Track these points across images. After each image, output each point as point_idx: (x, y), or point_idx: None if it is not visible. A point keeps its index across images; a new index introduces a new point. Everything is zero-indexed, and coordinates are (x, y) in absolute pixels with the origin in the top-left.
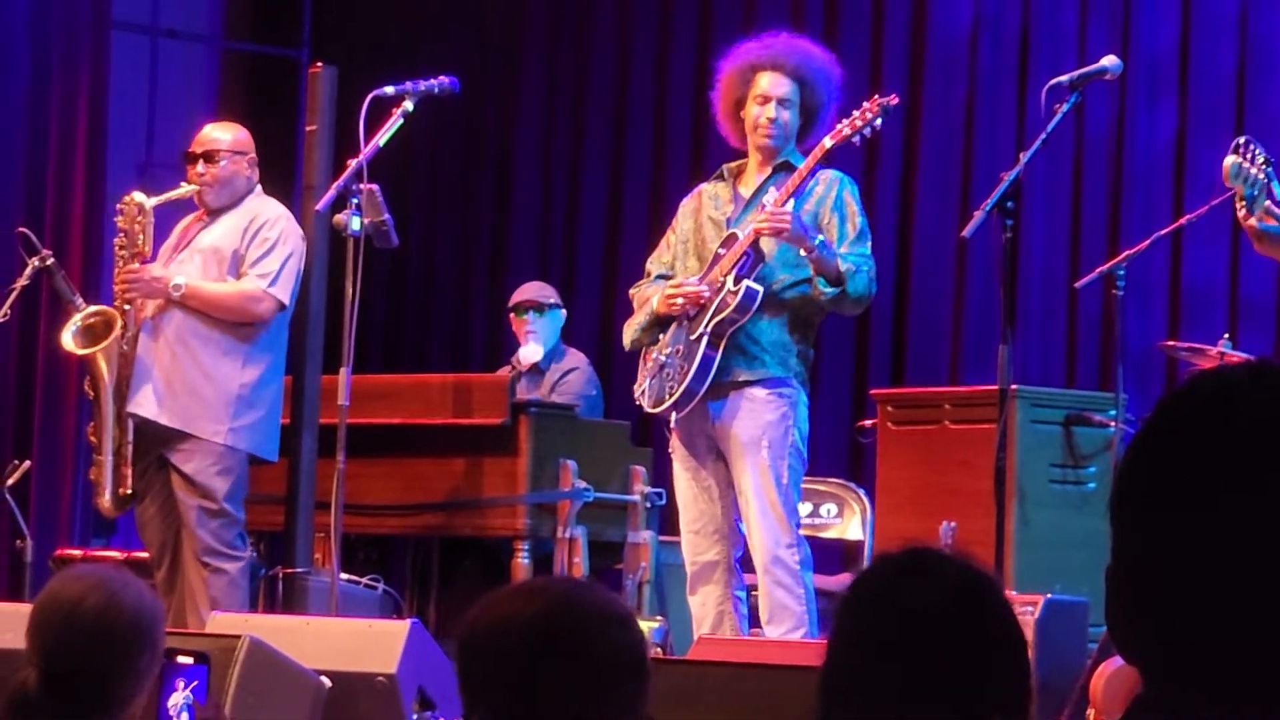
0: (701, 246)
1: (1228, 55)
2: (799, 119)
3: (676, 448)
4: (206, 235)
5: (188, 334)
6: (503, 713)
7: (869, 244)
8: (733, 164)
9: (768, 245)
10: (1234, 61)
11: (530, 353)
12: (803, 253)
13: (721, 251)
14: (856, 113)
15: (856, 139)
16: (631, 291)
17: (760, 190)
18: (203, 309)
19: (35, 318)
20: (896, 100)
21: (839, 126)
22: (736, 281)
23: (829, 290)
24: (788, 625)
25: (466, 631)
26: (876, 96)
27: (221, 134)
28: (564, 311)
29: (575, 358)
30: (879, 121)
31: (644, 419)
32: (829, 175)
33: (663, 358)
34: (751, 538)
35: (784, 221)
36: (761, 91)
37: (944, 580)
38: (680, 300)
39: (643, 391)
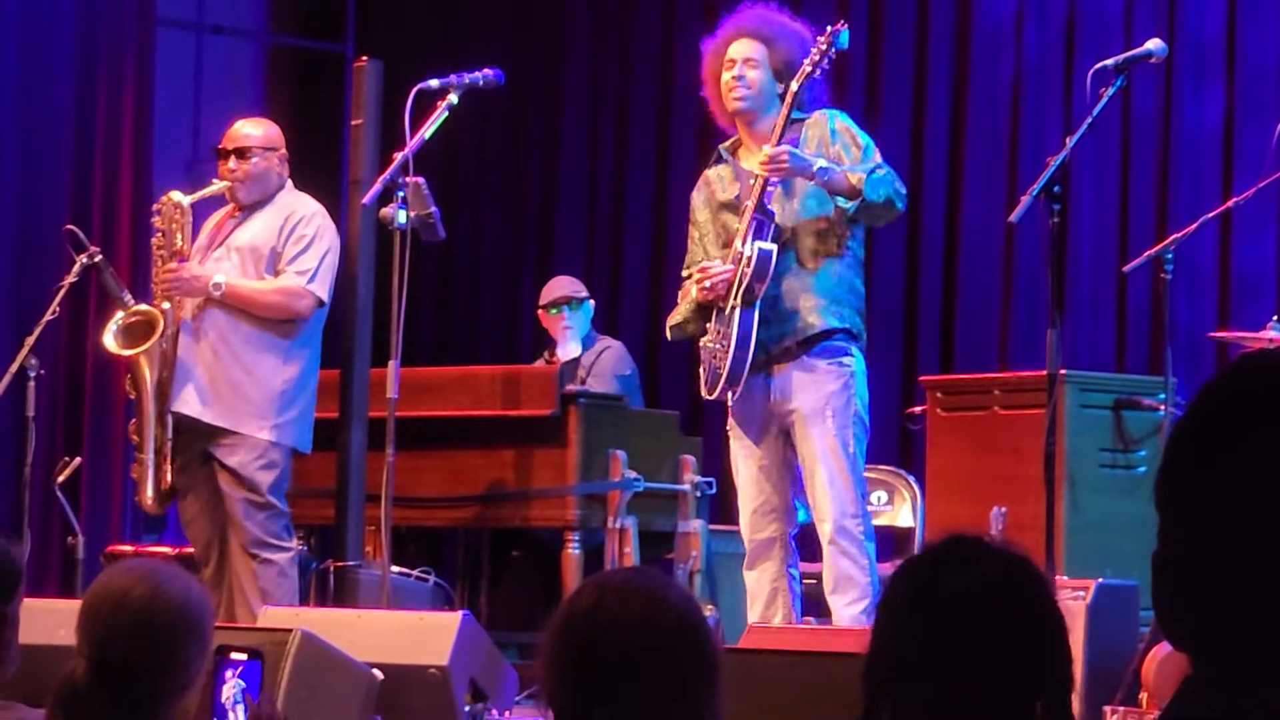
0: (724, 233)
1: (1274, 38)
2: (766, 78)
3: (733, 427)
4: (242, 232)
5: (228, 332)
6: (631, 708)
7: (878, 153)
8: (725, 143)
9: (779, 205)
10: None
11: (570, 349)
12: (811, 182)
13: (739, 226)
14: (813, 49)
15: (818, 73)
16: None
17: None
18: (243, 307)
19: (84, 315)
20: (844, 25)
21: (801, 68)
22: (751, 247)
23: (849, 205)
24: (852, 595)
25: (614, 627)
26: (827, 28)
27: (253, 130)
28: (592, 301)
29: (606, 340)
30: (834, 51)
31: (694, 408)
32: (816, 115)
33: (710, 344)
34: (818, 507)
35: (782, 160)
36: (729, 58)
37: (981, 570)
38: (709, 284)
39: (702, 380)
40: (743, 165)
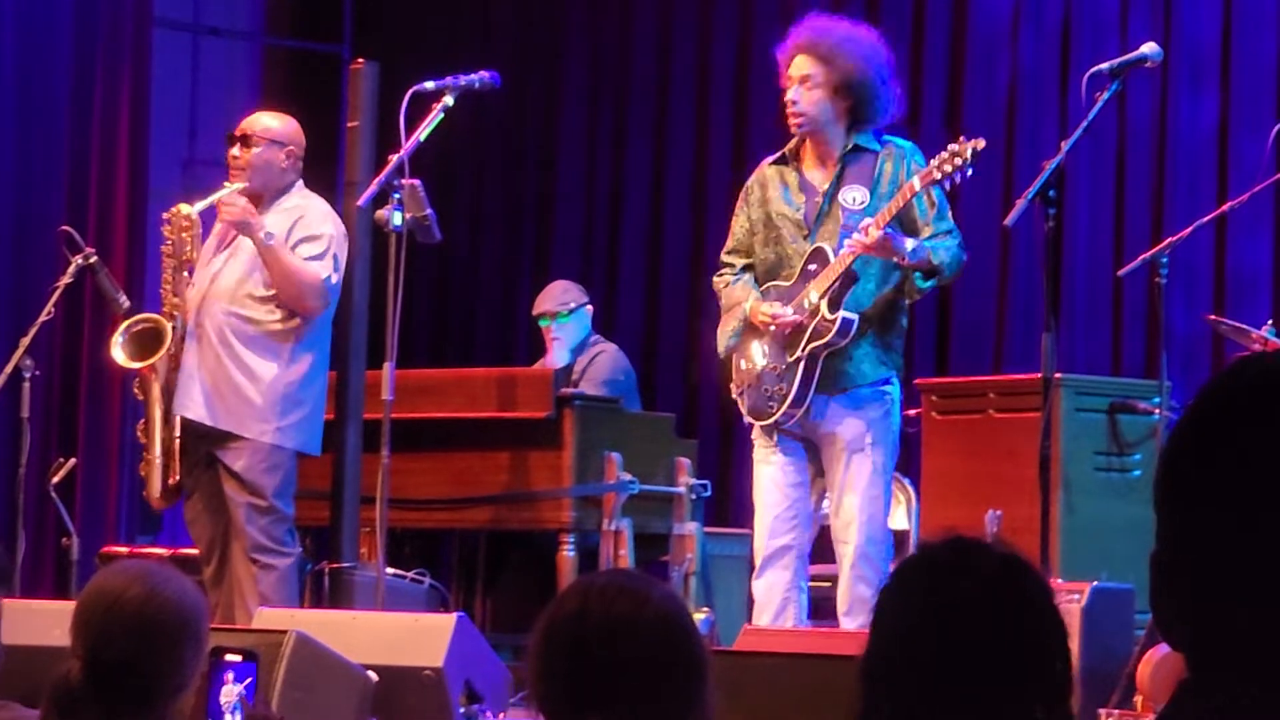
0: (778, 243)
1: (1269, 42)
2: (834, 98)
3: (760, 435)
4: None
5: (230, 335)
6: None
7: (949, 214)
8: (791, 144)
9: (857, 264)
10: (1275, 48)
11: (557, 360)
12: (896, 260)
13: (811, 268)
14: (945, 154)
15: (947, 185)
16: (716, 282)
17: (833, 187)
18: (275, 270)
19: (79, 316)
20: (984, 144)
21: (928, 168)
22: (832, 309)
23: (926, 285)
24: (865, 619)
25: (584, 631)
26: (963, 139)
27: (267, 121)
28: (589, 308)
29: (603, 344)
30: (970, 169)
31: (689, 411)
32: (893, 150)
33: (758, 369)
34: (845, 530)
35: (886, 245)
36: (789, 75)
37: (983, 571)
38: (774, 327)
39: (741, 395)
40: (808, 176)
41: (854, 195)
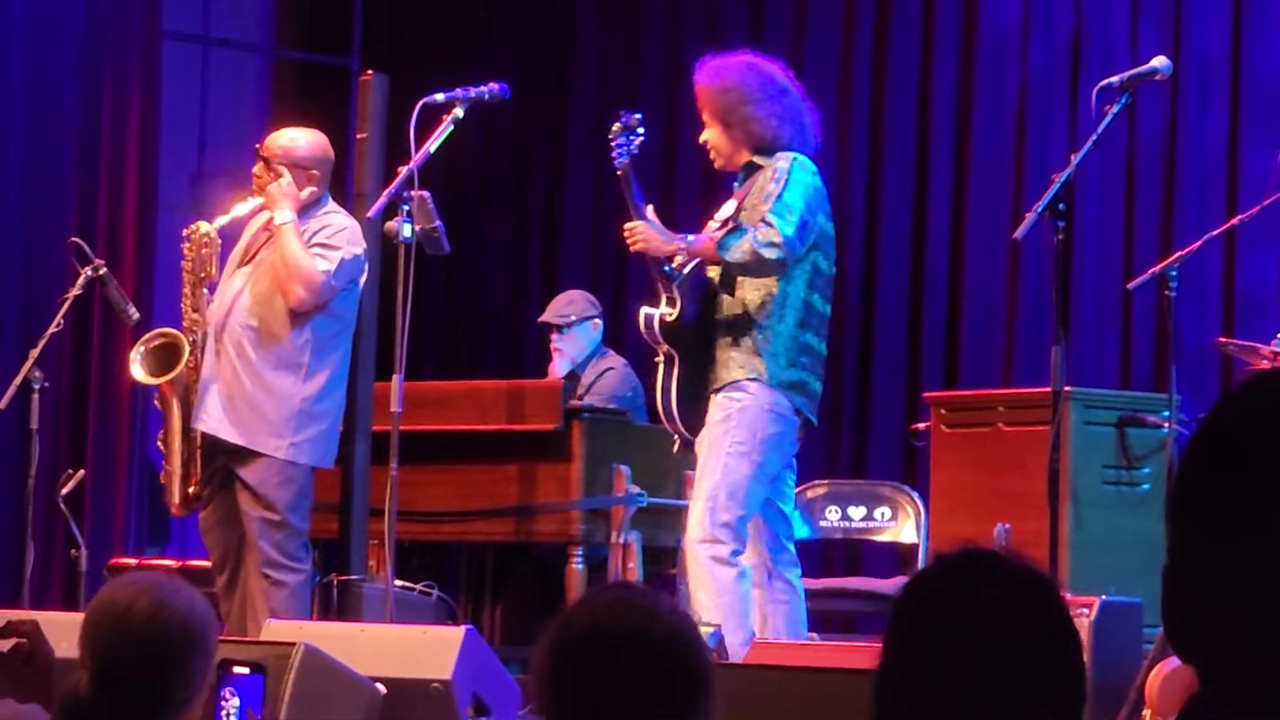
0: None
1: (1278, 55)
2: (724, 131)
3: None
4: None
5: (249, 348)
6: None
7: (768, 210)
8: None
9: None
10: None
11: (555, 370)
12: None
13: None
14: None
15: (625, 158)
16: None
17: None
18: (279, 250)
19: (88, 328)
20: (626, 114)
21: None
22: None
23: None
24: (698, 615)
25: (598, 648)
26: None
27: (288, 143)
28: (595, 321)
29: (612, 359)
30: (631, 142)
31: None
32: (773, 162)
33: None
34: None
35: (636, 237)
36: None
37: (1000, 581)
38: None
39: None
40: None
41: (725, 210)
